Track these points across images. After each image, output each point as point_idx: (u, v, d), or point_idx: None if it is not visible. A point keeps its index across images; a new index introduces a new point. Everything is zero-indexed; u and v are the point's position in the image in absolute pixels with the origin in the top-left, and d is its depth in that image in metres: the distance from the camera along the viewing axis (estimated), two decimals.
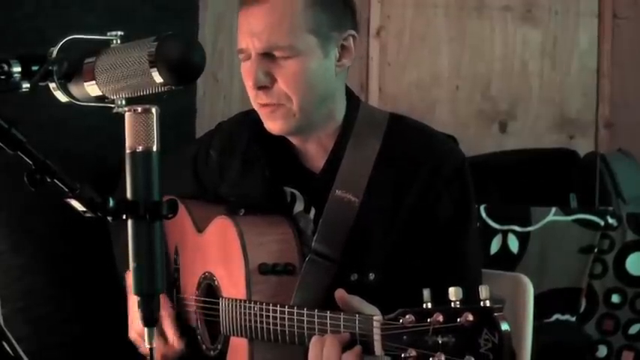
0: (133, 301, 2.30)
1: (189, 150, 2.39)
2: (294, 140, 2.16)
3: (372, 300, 1.90)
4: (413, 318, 1.68)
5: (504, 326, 1.59)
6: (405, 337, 1.68)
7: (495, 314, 1.60)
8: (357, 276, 2.07)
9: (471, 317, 1.60)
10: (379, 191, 2.09)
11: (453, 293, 1.62)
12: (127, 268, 2.29)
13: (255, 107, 2.11)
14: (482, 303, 1.61)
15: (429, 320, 1.64)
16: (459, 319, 1.61)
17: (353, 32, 2.11)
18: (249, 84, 2.07)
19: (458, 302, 1.62)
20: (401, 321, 1.69)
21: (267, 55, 2.04)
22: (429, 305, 1.66)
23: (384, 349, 1.76)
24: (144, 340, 1.50)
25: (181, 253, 2.32)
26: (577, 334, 3.44)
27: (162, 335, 2.22)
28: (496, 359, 1.58)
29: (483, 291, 1.61)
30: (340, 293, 1.89)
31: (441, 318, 1.63)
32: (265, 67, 2.04)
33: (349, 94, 2.17)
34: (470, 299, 1.63)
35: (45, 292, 2.66)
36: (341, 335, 1.83)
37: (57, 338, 2.67)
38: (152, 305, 1.47)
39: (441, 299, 1.65)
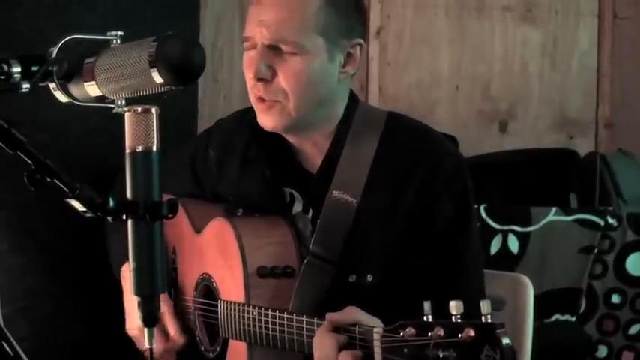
0: (130, 296, 2.30)
1: (187, 149, 2.38)
2: (289, 138, 2.14)
3: (370, 302, 1.89)
4: (413, 331, 1.66)
5: (506, 341, 1.58)
6: (405, 349, 1.67)
7: (497, 330, 1.58)
8: (356, 277, 2.05)
9: (472, 332, 1.58)
10: (377, 192, 2.07)
11: (454, 307, 1.61)
12: (123, 262, 2.31)
13: (252, 100, 2.09)
14: (483, 318, 1.60)
15: (429, 334, 1.63)
16: (460, 335, 1.59)
17: (361, 41, 2.10)
18: (249, 74, 2.06)
19: (459, 316, 1.61)
20: (401, 333, 1.68)
21: (273, 48, 2.03)
22: (430, 318, 1.65)
23: None
24: (143, 337, 1.50)
25: (179, 253, 2.31)
26: (577, 334, 3.44)
27: (164, 331, 2.21)
28: None
29: (485, 306, 1.60)
30: (330, 317, 1.85)
31: (442, 332, 1.61)
32: (268, 60, 2.03)
33: (349, 94, 2.16)
34: (471, 311, 1.61)
35: (46, 292, 2.66)
36: (339, 336, 1.82)
37: (59, 338, 2.67)
38: (152, 306, 1.47)
39: (441, 311, 1.63)
